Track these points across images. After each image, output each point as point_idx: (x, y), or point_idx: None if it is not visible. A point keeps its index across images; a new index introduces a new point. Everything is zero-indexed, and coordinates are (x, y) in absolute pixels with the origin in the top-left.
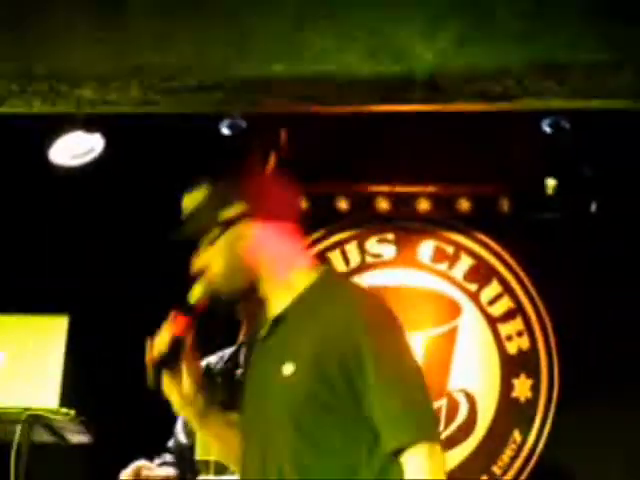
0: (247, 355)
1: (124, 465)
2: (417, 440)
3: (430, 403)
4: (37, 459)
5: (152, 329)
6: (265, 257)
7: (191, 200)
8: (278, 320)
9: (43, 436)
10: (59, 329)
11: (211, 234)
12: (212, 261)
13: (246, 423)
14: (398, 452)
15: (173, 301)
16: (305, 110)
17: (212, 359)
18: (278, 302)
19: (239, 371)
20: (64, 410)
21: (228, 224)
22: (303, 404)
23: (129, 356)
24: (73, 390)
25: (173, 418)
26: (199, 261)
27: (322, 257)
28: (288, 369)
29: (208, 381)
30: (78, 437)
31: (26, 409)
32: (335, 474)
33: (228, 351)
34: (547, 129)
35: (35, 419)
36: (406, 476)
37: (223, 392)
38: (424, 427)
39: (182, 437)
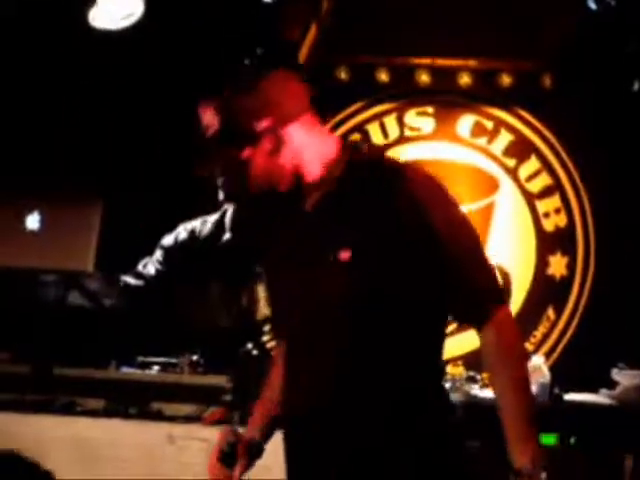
0: (237, 220)
1: (155, 331)
2: (500, 306)
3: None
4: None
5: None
6: (297, 158)
7: (209, 120)
8: (317, 209)
9: (78, 299)
10: (95, 209)
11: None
12: (249, 168)
13: (287, 309)
14: (482, 321)
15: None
16: None
17: (196, 224)
18: (314, 195)
19: (226, 235)
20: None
21: (253, 142)
22: (365, 290)
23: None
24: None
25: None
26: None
27: (361, 129)
28: (345, 254)
29: (194, 247)
30: (112, 301)
31: (62, 271)
32: (393, 369)
33: (212, 217)
34: (592, 5)
35: (71, 281)
36: (496, 338)
37: (209, 257)
38: (502, 293)
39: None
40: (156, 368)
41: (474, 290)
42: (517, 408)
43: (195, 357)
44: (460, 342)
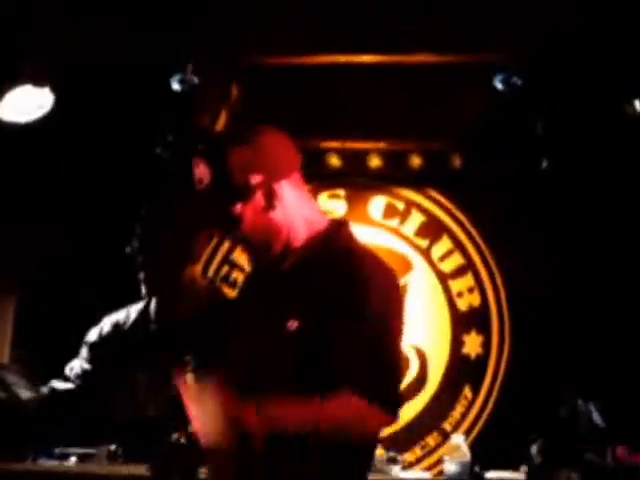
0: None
1: (72, 421)
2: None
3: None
4: None
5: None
6: (289, 217)
7: (202, 174)
8: (278, 274)
9: None
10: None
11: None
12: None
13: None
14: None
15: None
16: (255, 62)
17: (120, 315)
18: (291, 258)
19: (151, 325)
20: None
21: (246, 197)
22: (308, 359)
23: (81, 312)
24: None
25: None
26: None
27: None
28: (293, 324)
29: (119, 339)
30: (28, 393)
31: None
32: None
33: (136, 306)
34: (499, 85)
35: None
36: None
37: (136, 348)
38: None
39: (85, 364)
40: (74, 459)
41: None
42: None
43: (113, 447)
44: None
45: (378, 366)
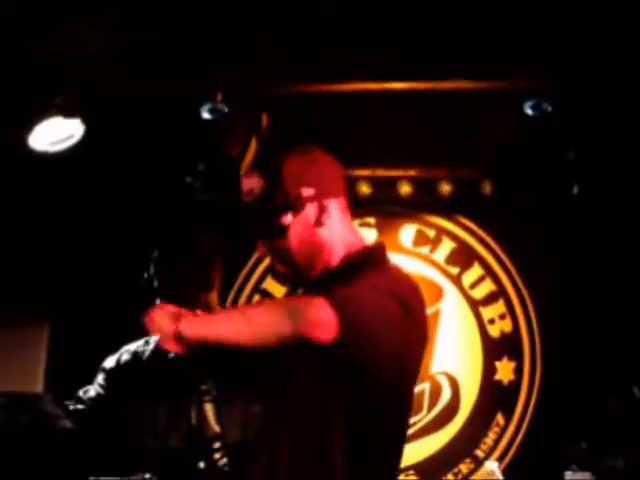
0: None
1: (107, 450)
2: None
3: None
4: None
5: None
6: (333, 235)
7: (253, 184)
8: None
9: (28, 421)
10: (42, 330)
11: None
12: (286, 241)
13: None
14: None
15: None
16: (285, 90)
17: (139, 344)
18: (319, 275)
19: (170, 355)
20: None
21: (296, 209)
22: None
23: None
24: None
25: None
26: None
27: None
28: None
29: (138, 368)
30: (62, 423)
31: (10, 394)
32: None
33: (154, 336)
34: (529, 111)
35: (19, 404)
36: None
37: (155, 377)
38: None
39: (100, 389)
40: None
41: None
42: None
43: (148, 475)
44: (409, 451)
45: None
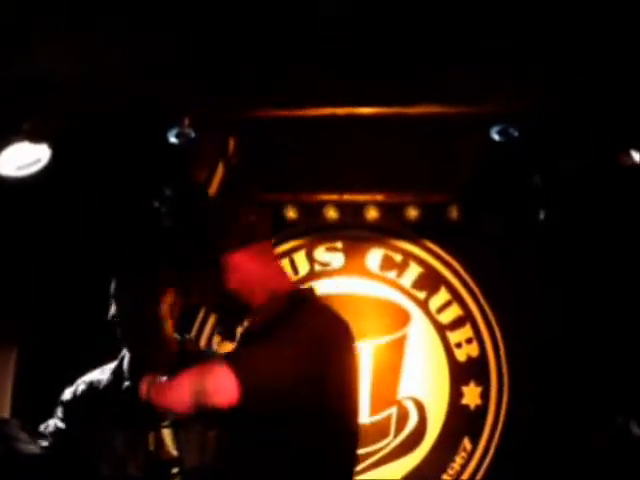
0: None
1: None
2: None
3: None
4: None
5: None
6: (247, 282)
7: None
8: (246, 338)
9: None
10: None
11: (197, 271)
12: (203, 293)
13: None
14: None
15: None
16: (252, 114)
17: (95, 374)
18: (252, 321)
19: (125, 383)
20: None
21: (213, 261)
22: None
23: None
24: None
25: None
26: (192, 296)
27: None
28: None
29: (94, 398)
30: (30, 447)
31: None
32: None
33: (110, 365)
34: (496, 136)
35: None
36: None
37: (112, 406)
38: None
39: (59, 422)
40: None
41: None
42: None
43: None
44: (376, 476)
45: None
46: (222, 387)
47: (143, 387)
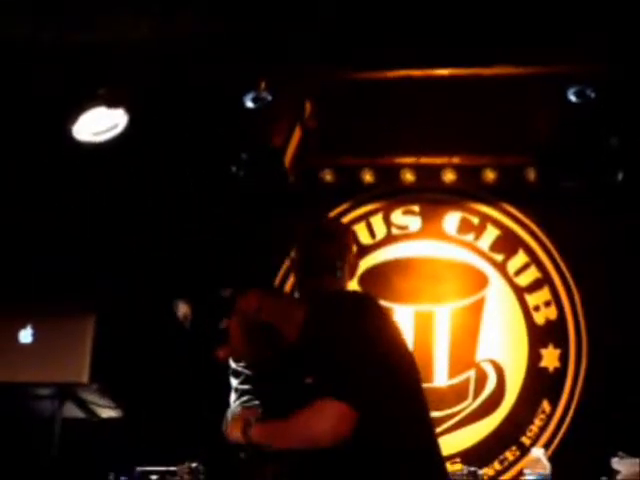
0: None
1: (153, 438)
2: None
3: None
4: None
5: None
6: (269, 307)
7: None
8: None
9: (74, 411)
10: (88, 321)
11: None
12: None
13: None
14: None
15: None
16: (328, 77)
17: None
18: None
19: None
20: (94, 385)
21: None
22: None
23: (160, 336)
24: (103, 366)
25: (201, 393)
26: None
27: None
28: (309, 380)
29: None
30: (108, 412)
31: (57, 384)
32: None
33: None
34: (573, 98)
35: (66, 394)
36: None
37: None
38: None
39: None
40: (155, 477)
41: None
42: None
43: (194, 465)
44: (455, 439)
45: (332, 370)
46: (342, 425)
47: (238, 426)
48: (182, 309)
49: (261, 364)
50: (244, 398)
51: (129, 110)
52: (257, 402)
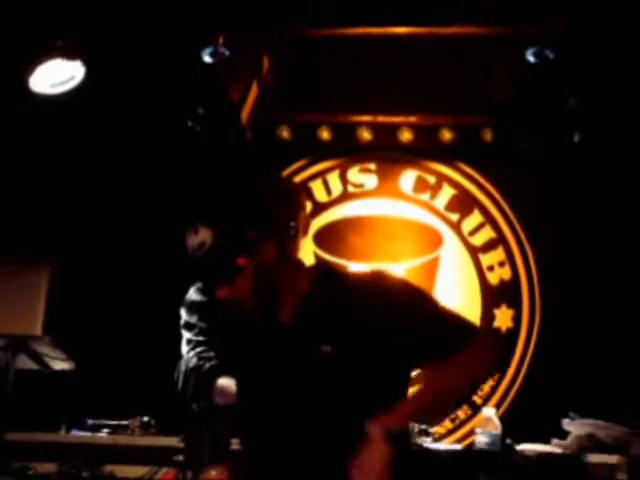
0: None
1: (105, 391)
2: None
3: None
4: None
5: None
6: (279, 268)
7: (203, 238)
8: (298, 312)
9: (27, 363)
10: (42, 274)
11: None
12: (244, 286)
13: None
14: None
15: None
16: (286, 34)
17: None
18: (287, 300)
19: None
20: (47, 337)
21: (247, 253)
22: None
23: (114, 288)
24: (56, 318)
25: (152, 347)
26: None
27: (304, 186)
28: (325, 349)
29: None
30: (61, 364)
31: (10, 335)
32: None
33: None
34: (531, 58)
35: (19, 345)
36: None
37: None
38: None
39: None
40: (106, 430)
41: (444, 340)
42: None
43: (146, 418)
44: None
45: (432, 329)
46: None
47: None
48: (202, 234)
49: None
50: (199, 349)
51: (86, 63)
52: (212, 354)
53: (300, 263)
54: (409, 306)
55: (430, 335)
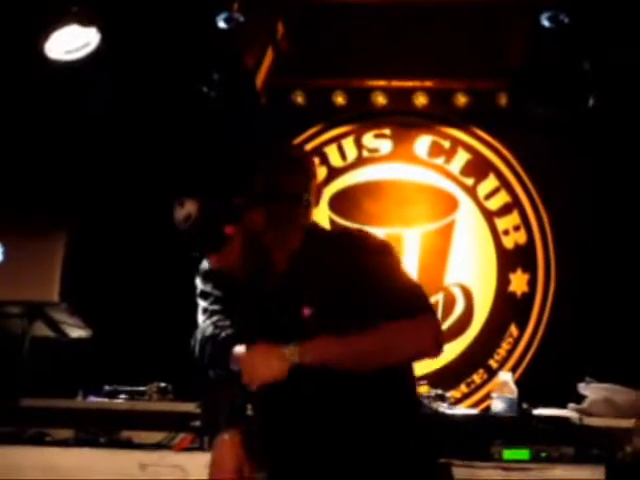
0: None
1: (122, 358)
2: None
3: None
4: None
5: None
6: (272, 231)
7: (189, 210)
8: (285, 274)
9: (44, 330)
10: (59, 240)
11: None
12: (233, 254)
13: None
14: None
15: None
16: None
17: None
18: (279, 263)
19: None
20: (64, 304)
21: (234, 222)
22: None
23: (131, 255)
24: (72, 285)
25: (169, 313)
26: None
27: (319, 152)
28: (307, 311)
29: None
30: (78, 331)
31: (26, 302)
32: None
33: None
34: (546, 23)
35: (35, 312)
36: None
37: None
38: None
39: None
40: (123, 396)
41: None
42: (350, 342)
43: (163, 384)
44: (422, 361)
45: (395, 293)
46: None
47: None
48: (188, 207)
49: (242, 283)
50: (215, 318)
51: (101, 29)
52: (228, 322)
53: (295, 225)
54: (375, 272)
55: (390, 297)
